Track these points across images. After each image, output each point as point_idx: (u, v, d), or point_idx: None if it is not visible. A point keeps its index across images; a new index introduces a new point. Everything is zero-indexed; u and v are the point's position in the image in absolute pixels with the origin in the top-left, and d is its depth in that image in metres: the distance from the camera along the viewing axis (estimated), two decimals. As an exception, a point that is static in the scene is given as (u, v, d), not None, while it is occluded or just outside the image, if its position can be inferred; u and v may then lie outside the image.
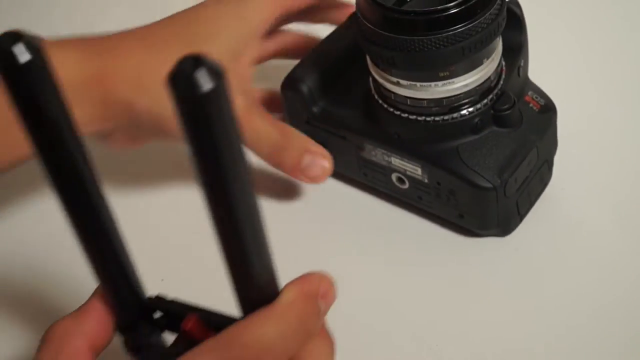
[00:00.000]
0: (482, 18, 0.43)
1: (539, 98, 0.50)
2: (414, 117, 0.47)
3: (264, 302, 0.31)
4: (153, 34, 0.50)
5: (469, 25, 0.42)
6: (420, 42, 0.43)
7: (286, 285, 0.31)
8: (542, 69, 0.54)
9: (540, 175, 0.51)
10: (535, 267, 0.49)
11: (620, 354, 0.44)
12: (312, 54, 0.54)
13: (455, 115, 0.47)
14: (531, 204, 0.51)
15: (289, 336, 0.30)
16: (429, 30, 0.42)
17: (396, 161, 0.49)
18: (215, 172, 0.26)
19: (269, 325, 0.30)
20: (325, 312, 0.32)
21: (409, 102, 0.47)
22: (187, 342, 0.34)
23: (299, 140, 0.51)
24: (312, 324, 0.31)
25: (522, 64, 0.50)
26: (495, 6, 0.43)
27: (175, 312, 0.35)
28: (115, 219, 0.31)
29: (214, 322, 0.33)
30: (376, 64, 0.47)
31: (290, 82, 0.52)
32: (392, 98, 0.48)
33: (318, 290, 0.32)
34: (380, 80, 0.48)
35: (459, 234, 0.52)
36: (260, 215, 0.29)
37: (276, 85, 0.54)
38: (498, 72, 0.48)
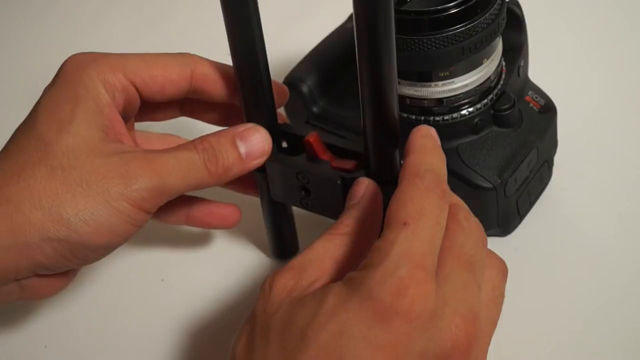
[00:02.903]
0: (482, 18, 0.43)
1: (539, 98, 0.50)
2: (413, 117, 0.47)
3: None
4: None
5: (469, 25, 0.42)
6: (420, 42, 0.43)
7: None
8: (542, 69, 0.54)
9: (540, 175, 0.51)
10: (535, 267, 0.49)
11: (619, 354, 0.44)
12: (312, 54, 0.54)
13: (455, 115, 0.47)
14: (531, 204, 0.52)
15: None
16: (429, 30, 0.42)
17: (396, 161, 0.49)
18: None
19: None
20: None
21: (408, 102, 0.47)
22: (306, 154, 0.43)
23: (219, 136, 0.43)
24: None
25: (522, 64, 0.50)
26: (495, 6, 0.43)
27: (299, 135, 0.44)
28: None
29: (330, 146, 0.44)
30: (376, 64, 0.47)
31: (290, 82, 0.52)
32: (392, 98, 0.48)
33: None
34: (380, 80, 0.48)
35: (459, 234, 0.52)
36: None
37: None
38: (498, 72, 0.48)
